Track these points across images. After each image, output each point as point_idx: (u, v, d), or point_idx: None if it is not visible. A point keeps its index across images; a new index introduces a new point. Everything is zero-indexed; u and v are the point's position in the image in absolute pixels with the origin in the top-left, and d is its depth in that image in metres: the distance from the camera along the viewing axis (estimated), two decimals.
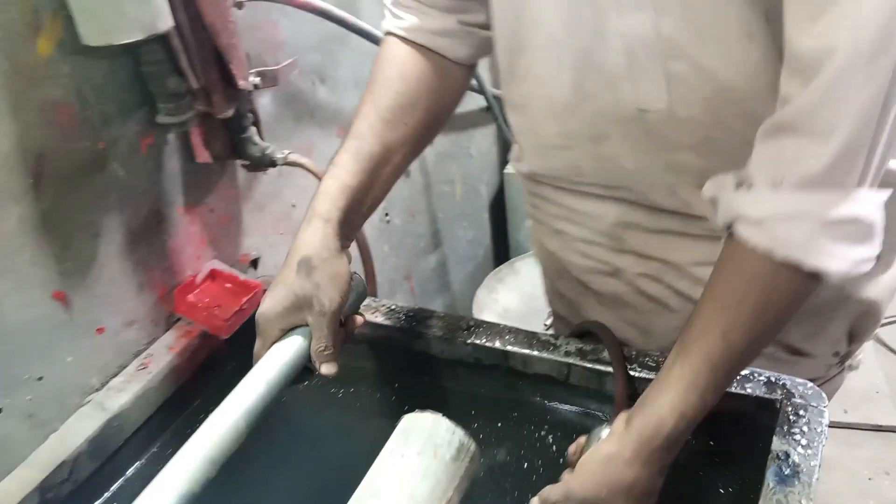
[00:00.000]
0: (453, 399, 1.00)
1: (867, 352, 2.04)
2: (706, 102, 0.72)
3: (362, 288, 0.84)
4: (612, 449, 0.69)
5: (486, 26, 0.87)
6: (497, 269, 1.76)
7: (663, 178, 0.83)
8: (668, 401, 0.67)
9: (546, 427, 0.94)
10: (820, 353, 0.97)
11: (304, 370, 0.75)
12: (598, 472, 0.69)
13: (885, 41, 0.56)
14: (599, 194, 0.92)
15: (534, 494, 0.74)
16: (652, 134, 0.78)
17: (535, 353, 0.92)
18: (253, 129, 1.02)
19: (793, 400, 0.78)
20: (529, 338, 0.94)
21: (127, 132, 0.91)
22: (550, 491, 0.73)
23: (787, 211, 0.63)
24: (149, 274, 0.98)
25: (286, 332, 0.76)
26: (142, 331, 0.98)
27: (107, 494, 0.89)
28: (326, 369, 0.75)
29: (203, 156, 0.99)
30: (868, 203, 0.62)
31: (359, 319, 0.82)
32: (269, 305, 0.75)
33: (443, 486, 0.61)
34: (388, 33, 0.88)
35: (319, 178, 0.81)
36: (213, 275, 1.05)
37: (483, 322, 0.97)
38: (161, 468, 0.92)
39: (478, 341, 0.95)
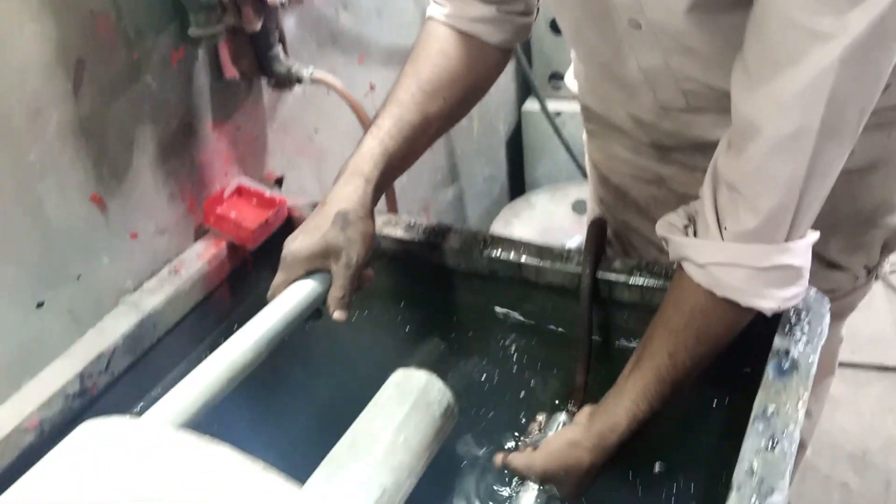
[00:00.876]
0: (467, 310, 1.04)
1: (877, 295, 2.07)
2: (722, 100, 0.77)
3: (377, 246, 0.90)
4: (575, 437, 0.79)
5: (525, 13, 0.91)
6: (513, 202, 1.79)
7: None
8: (623, 407, 0.77)
9: (556, 337, 0.99)
10: (853, 266, 1.01)
11: (315, 311, 0.80)
12: (561, 454, 0.78)
13: (805, 123, 0.62)
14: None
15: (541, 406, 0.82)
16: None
17: (548, 264, 0.96)
18: (279, 47, 1.05)
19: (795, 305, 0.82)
20: (543, 250, 0.97)
21: (159, 45, 0.94)
22: (515, 458, 0.81)
23: (724, 259, 0.72)
24: (179, 185, 1.02)
25: (307, 273, 0.80)
26: (173, 239, 1.03)
27: (142, 388, 0.95)
28: (339, 315, 0.80)
29: (231, 71, 1.02)
30: (796, 251, 0.71)
31: (370, 273, 0.86)
32: (300, 246, 0.81)
33: (429, 440, 0.66)
34: (430, 19, 0.92)
35: (346, 99, 0.86)
36: (239, 190, 1.09)
37: (499, 236, 1.01)
38: (192, 369, 0.98)
39: (493, 254, 0.99)
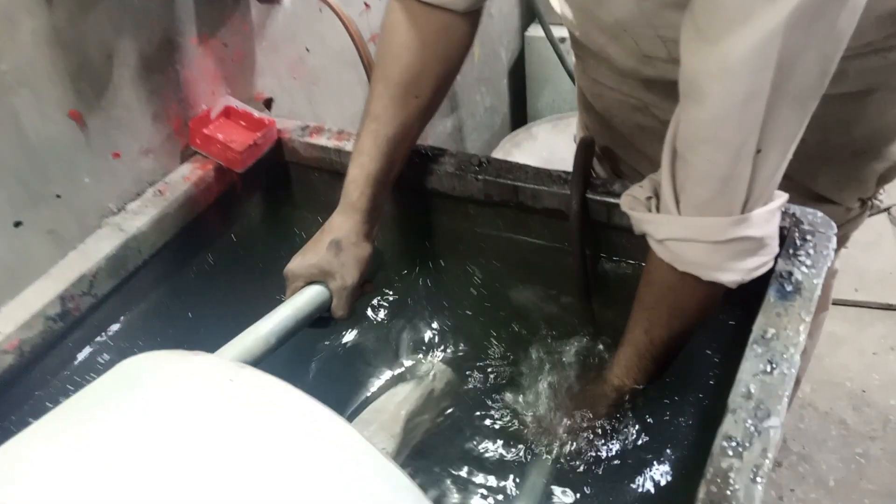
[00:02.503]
0: (462, 237, 1.01)
1: (883, 234, 2.03)
2: None
3: (380, 261, 0.92)
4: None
5: None
6: (514, 132, 1.74)
7: None
8: (610, 381, 0.81)
9: (552, 264, 0.96)
10: (845, 200, 0.97)
11: (321, 318, 0.86)
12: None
13: (753, 88, 0.58)
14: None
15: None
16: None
17: (546, 187, 0.92)
18: None
19: (801, 227, 0.78)
20: (540, 173, 0.94)
21: None
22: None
23: (681, 235, 0.69)
24: (163, 104, 0.98)
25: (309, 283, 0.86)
26: (157, 161, 0.99)
27: (127, 311, 0.93)
28: (341, 319, 0.87)
29: None
30: (755, 222, 0.67)
31: (371, 287, 0.91)
32: (297, 265, 0.86)
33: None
34: None
35: (339, 16, 0.82)
36: (227, 112, 1.05)
37: (494, 159, 0.97)
38: (180, 294, 0.96)
39: (489, 177, 0.95)
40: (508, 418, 0.84)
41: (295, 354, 0.85)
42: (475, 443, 0.82)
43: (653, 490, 0.71)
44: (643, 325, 0.77)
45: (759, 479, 0.58)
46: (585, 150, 0.90)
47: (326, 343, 0.90)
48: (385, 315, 0.92)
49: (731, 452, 0.60)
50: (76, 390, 0.84)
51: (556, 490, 0.77)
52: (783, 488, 1.54)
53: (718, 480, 0.58)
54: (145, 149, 0.97)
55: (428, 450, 0.80)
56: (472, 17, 0.89)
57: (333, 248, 0.85)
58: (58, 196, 0.88)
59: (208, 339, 0.90)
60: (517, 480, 0.78)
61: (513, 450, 0.81)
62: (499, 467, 0.79)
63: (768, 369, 0.66)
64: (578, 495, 0.76)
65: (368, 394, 0.88)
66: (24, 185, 0.84)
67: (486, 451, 0.81)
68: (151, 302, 0.95)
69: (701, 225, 0.67)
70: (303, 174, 1.07)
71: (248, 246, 1.03)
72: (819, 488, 1.54)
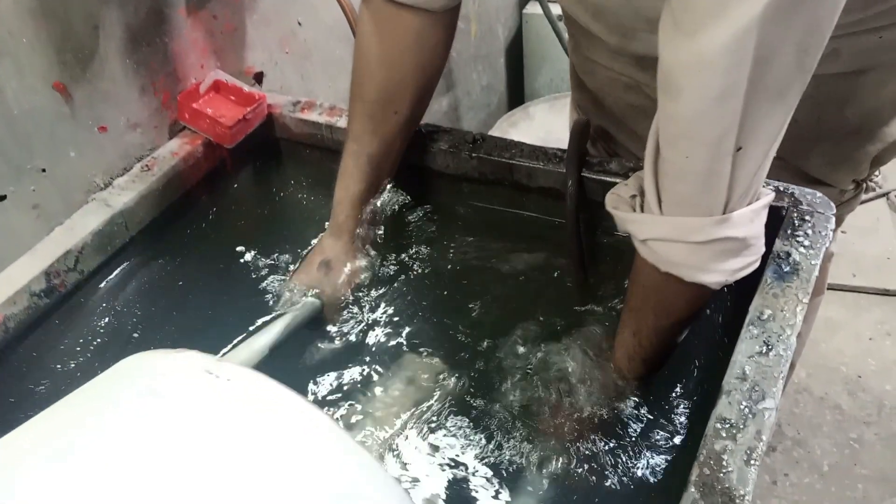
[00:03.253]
0: (456, 216, 1.00)
1: (882, 219, 2.02)
2: None
3: (375, 265, 0.94)
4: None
5: None
6: (511, 112, 1.72)
7: None
8: (609, 379, 0.80)
9: (547, 244, 0.95)
10: (839, 182, 0.95)
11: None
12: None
13: (729, 83, 0.56)
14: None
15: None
16: None
17: (541, 165, 0.91)
18: None
19: (799, 207, 0.77)
20: (536, 151, 0.92)
21: None
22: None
23: (661, 235, 0.67)
24: (151, 77, 0.96)
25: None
26: (145, 135, 0.98)
27: (114, 288, 0.92)
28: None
29: None
30: (738, 222, 0.64)
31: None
32: (291, 284, 0.89)
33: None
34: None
35: None
36: (216, 86, 1.03)
37: (489, 136, 0.96)
38: (168, 271, 0.95)
39: (483, 155, 0.94)
40: (504, 409, 0.81)
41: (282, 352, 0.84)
42: (466, 437, 0.80)
43: (645, 473, 0.70)
44: (631, 327, 0.77)
45: (752, 462, 0.57)
46: (581, 132, 0.88)
47: (315, 335, 0.89)
48: (373, 300, 0.91)
49: (724, 434, 0.59)
50: (62, 368, 0.85)
51: (549, 470, 0.75)
52: (777, 473, 1.54)
53: (711, 462, 0.57)
54: (132, 123, 0.95)
55: (420, 446, 0.78)
56: (449, 18, 0.86)
57: (323, 268, 0.88)
58: (43, 170, 0.86)
59: (197, 317, 0.89)
60: (514, 473, 0.76)
61: (508, 442, 0.79)
62: (495, 462, 0.77)
63: (764, 350, 0.65)
64: (570, 476, 0.75)
65: (356, 389, 0.86)
66: (6, 158, 0.82)
67: (478, 445, 0.79)
68: (139, 279, 0.93)
69: (682, 225, 0.65)
70: (294, 150, 1.05)
71: (237, 223, 1.02)
72: (813, 473, 1.53)
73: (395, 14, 0.83)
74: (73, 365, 0.85)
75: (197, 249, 0.98)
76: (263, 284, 0.91)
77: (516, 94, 2.05)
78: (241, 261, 0.96)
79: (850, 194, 0.97)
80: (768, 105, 0.58)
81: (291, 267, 0.94)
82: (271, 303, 0.87)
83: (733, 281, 0.67)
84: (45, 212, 0.88)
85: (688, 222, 0.65)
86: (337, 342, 0.88)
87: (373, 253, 0.91)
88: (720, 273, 0.67)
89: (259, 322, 0.83)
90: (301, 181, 1.06)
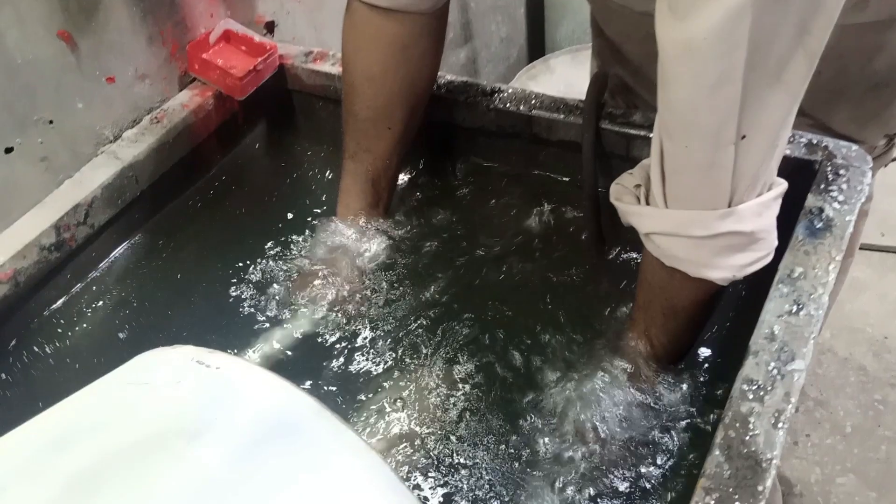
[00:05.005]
0: (472, 171, 0.97)
1: None
2: None
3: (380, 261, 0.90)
4: None
5: None
6: (530, 64, 1.67)
7: None
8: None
9: (566, 201, 0.92)
10: (869, 138, 0.90)
11: None
12: None
13: (724, 69, 0.52)
14: None
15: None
16: None
17: (562, 117, 0.87)
18: None
19: (834, 161, 0.73)
20: (556, 102, 0.89)
21: None
22: None
23: (665, 228, 0.64)
24: (159, 26, 0.93)
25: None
26: (155, 87, 0.95)
27: (124, 243, 0.90)
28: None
29: None
30: (744, 216, 0.61)
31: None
32: (296, 293, 0.85)
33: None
34: (349, 7, 0.82)
35: None
36: (227, 36, 1.00)
37: (507, 87, 0.92)
38: (178, 225, 0.93)
39: (501, 106, 0.90)
40: (520, 390, 0.76)
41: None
42: (485, 424, 0.74)
43: (667, 435, 0.68)
44: (640, 326, 0.73)
45: (780, 425, 0.54)
46: (599, 82, 0.84)
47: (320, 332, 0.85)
48: (384, 270, 0.87)
49: (751, 396, 0.56)
50: (73, 323, 0.84)
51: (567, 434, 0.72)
52: (798, 433, 1.52)
53: (737, 425, 0.55)
54: (141, 74, 0.93)
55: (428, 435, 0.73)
56: (436, 23, 0.83)
57: (326, 278, 0.86)
58: (50, 122, 0.84)
59: (208, 272, 0.88)
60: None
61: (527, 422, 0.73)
62: (511, 451, 0.71)
63: (794, 310, 0.62)
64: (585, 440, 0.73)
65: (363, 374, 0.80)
66: (9, 108, 0.80)
67: (493, 432, 0.73)
68: (149, 234, 0.92)
69: (685, 219, 0.62)
70: (306, 103, 1.02)
71: (248, 177, 0.99)
72: (835, 434, 1.51)
73: (378, 25, 0.80)
74: (83, 320, 0.84)
75: (208, 204, 0.96)
76: (274, 242, 0.90)
77: (536, 46, 1.99)
78: (253, 215, 0.94)
79: (881, 150, 0.92)
80: (770, 91, 0.54)
81: (310, 220, 0.92)
82: (274, 304, 0.85)
83: (742, 276, 0.64)
84: (53, 165, 0.86)
85: (691, 216, 0.61)
86: (344, 339, 0.83)
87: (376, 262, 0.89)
88: (726, 269, 0.63)
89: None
90: (313, 135, 1.03)
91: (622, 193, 0.70)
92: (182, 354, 0.48)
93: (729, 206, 0.60)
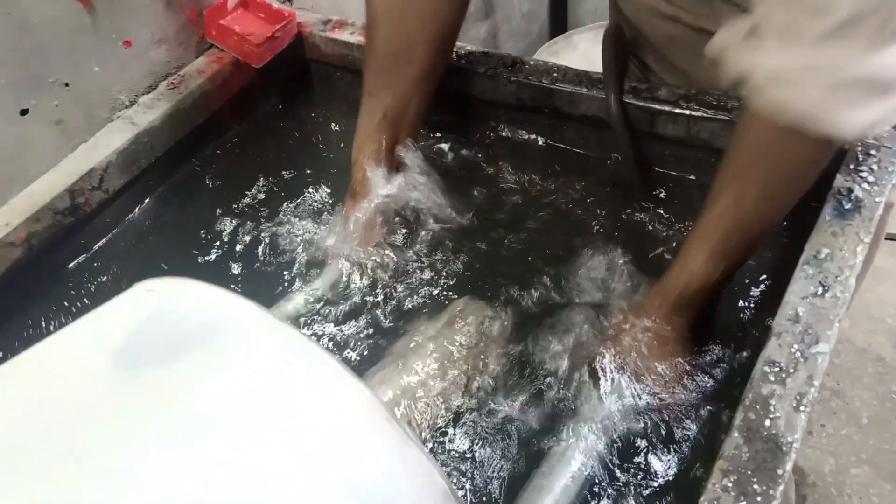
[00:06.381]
0: (492, 148, 0.95)
1: None
2: None
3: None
4: (657, 336, 0.69)
5: None
6: (552, 40, 1.64)
7: None
8: (690, 274, 0.68)
9: (592, 179, 0.90)
10: None
11: None
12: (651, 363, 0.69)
13: None
14: None
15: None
16: None
17: (585, 90, 0.85)
18: None
19: (864, 141, 0.71)
20: (579, 76, 0.87)
21: None
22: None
23: (797, 68, 0.57)
24: None
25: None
26: (172, 53, 0.94)
27: (138, 208, 0.90)
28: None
29: None
30: (888, 59, 0.54)
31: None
32: (323, 248, 0.83)
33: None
34: None
35: None
36: (245, 2, 0.98)
37: (529, 59, 0.90)
38: (193, 193, 0.92)
39: (523, 79, 0.88)
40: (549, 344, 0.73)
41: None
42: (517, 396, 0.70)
43: (686, 415, 0.66)
44: (731, 195, 0.65)
45: (802, 408, 0.53)
46: (615, 36, 0.81)
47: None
48: (401, 246, 0.85)
49: (773, 378, 0.55)
50: (85, 287, 0.83)
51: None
52: (813, 423, 1.50)
53: (758, 407, 0.53)
54: (158, 38, 0.91)
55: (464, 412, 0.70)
56: None
57: (341, 230, 0.82)
58: (66, 85, 0.83)
59: (222, 240, 0.87)
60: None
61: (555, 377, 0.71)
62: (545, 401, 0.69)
63: (819, 292, 0.60)
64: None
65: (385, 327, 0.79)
66: (25, 68, 0.79)
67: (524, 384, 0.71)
68: (163, 200, 0.91)
69: (823, 56, 0.55)
70: (323, 72, 1.00)
71: (264, 145, 0.98)
72: (851, 424, 1.49)
73: None
74: (96, 284, 0.84)
75: (223, 172, 0.95)
76: (288, 211, 0.89)
77: (559, 22, 1.95)
78: (269, 185, 0.93)
79: None
80: None
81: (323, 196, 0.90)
82: (288, 271, 0.83)
83: (868, 135, 0.59)
84: (68, 128, 0.85)
85: (831, 53, 0.55)
86: (367, 292, 0.82)
87: (397, 205, 0.85)
88: (855, 123, 0.57)
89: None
90: (331, 105, 1.02)
91: (729, 42, 0.63)
92: (142, 286, 0.47)
93: (873, 48, 0.54)
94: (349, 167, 0.84)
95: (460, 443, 0.67)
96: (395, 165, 0.84)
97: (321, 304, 0.79)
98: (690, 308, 0.69)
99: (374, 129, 0.82)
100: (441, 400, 0.69)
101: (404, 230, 0.84)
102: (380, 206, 0.83)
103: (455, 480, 0.65)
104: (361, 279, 0.81)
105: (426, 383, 0.69)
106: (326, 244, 0.82)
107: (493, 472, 0.65)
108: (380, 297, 0.79)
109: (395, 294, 0.80)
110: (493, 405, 0.69)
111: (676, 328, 0.69)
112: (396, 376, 0.68)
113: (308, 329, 0.77)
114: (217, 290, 0.46)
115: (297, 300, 0.78)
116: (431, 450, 0.66)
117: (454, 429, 0.68)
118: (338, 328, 0.77)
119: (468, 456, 0.66)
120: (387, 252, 0.82)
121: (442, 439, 0.67)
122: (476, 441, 0.67)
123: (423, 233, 0.84)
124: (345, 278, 0.81)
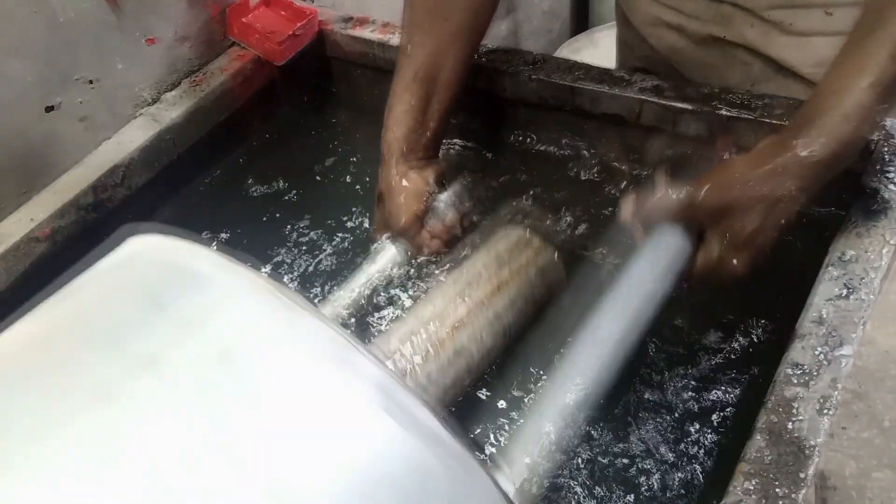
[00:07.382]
0: (512, 146, 0.94)
1: None
2: None
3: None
4: (771, 158, 0.59)
5: None
6: (574, 38, 1.64)
7: None
8: (834, 120, 0.57)
9: (614, 177, 0.89)
10: None
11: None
12: (752, 179, 0.59)
13: None
14: None
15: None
16: None
17: (607, 89, 0.85)
18: None
19: (891, 141, 0.70)
20: (602, 74, 0.86)
21: None
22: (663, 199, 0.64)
23: None
24: None
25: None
26: (195, 50, 0.95)
27: (161, 206, 0.90)
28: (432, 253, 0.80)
29: None
30: None
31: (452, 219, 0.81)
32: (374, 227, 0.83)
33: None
34: None
35: None
36: (266, 1, 0.99)
37: (550, 56, 0.90)
38: (215, 190, 0.93)
39: (544, 77, 0.88)
40: None
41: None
42: None
43: (709, 419, 0.66)
44: (888, 49, 0.56)
45: (826, 411, 0.52)
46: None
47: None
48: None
49: (796, 381, 0.54)
50: None
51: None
52: (835, 425, 1.48)
53: (780, 410, 0.53)
54: (181, 36, 0.92)
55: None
56: None
57: (379, 201, 0.81)
58: (90, 82, 0.84)
59: (243, 237, 0.87)
60: None
61: None
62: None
63: (844, 293, 0.59)
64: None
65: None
66: (54, 65, 0.80)
67: None
68: (185, 198, 0.92)
69: None
70: (344, 70, 1.00)
71: (286, 143, 0.99)
72: (873, 427, 1.47)
73: None
74: None
75: (245, 170, 0.95)
76: (310, 208, 0.89)
77: (581, 19, 1.95)
78: (290, 183, 0.93)
79: None
80: None
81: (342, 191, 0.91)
82: (312, 269, 0.82)
83: None
84: (92, 124, 0.86)
85: None
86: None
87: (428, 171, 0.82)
88: None
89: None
90: (352, 103, 1.02)
91: None
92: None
93: None
94: (373, 163, 0.84)
95: None
96: (427, 129, 0.81)
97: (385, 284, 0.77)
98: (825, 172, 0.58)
99: (404, 88, 0.79)
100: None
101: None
102: (412, 168, 0.80)
103: None
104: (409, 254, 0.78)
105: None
106: (377, 222, 0.81)
107: None
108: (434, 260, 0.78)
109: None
110: None
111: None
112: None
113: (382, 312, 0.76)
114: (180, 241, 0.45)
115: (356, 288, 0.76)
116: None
117: None
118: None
119: None
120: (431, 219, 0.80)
121: None
122: None
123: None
124: (398, 257, 0.78)
